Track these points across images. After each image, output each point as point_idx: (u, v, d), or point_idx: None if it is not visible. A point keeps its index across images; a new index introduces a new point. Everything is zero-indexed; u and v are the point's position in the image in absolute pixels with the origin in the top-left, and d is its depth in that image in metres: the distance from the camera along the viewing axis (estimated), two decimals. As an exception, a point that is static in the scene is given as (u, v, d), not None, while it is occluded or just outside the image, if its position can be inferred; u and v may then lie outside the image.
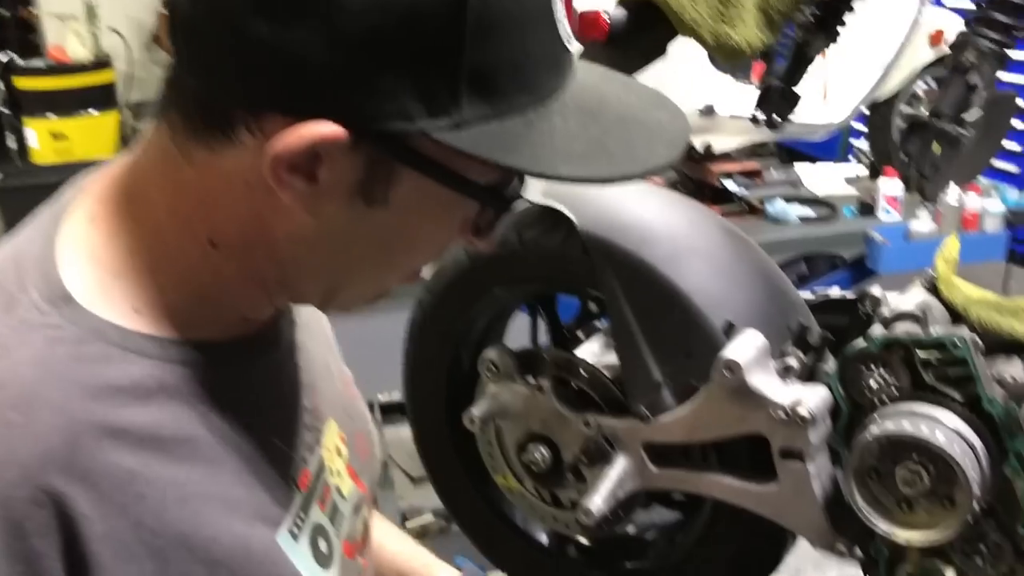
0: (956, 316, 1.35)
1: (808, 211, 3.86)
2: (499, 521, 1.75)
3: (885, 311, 1.35)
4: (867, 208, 3.88)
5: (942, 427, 1.22)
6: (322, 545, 0.90)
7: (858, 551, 1.36)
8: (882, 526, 1.27)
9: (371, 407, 1.44)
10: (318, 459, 0.94)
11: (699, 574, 1.59)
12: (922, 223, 3.78)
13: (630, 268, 1.42)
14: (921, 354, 1.25)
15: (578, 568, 1.73)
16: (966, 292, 1.35)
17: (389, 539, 1.28)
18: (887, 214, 3.81)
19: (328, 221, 0.72)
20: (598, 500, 1.47)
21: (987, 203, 3.93)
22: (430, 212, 0.75)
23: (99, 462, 0.67)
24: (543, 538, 1.76)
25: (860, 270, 3.82)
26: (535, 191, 1.17)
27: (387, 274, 0.83)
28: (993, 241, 3.89)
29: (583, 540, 1.76)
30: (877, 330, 1.32)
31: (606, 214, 1.42)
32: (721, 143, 3.92)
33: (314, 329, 1.03)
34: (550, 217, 1.41)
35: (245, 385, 0.83)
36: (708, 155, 3.87)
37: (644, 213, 1.43)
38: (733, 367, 1.31)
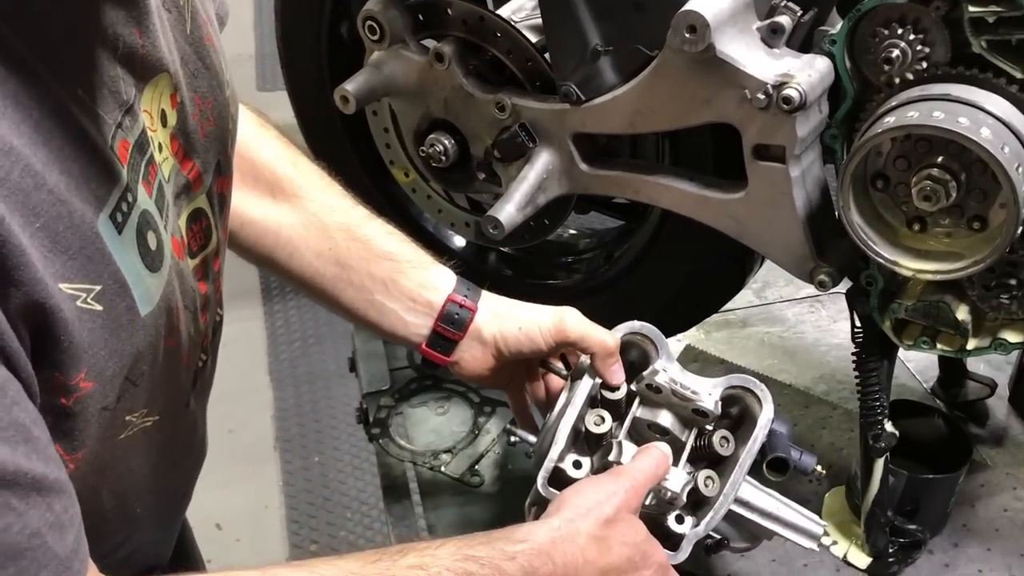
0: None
1: None
2: (404, 225, 1.41)
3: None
4: None
5: (988, 119, 0.85)
6: (151, 239, 0.69)
7: (844, 281, 1.03)
8: (884, 252, 0.93)
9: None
10: (140, 125, 0.69)
11: (640, 294, 1.28)
12: None
13: None
14: (973, 8, 0.85)
15: (500, 281, 1.42)
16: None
17: (376, 236, 1.07)
18: None
19: None
20: (511, 209, 1.11)
21: None
22: None
23: None
24: (458, 243, 1.44)
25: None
26: None
27: None
28: None
29: (505, 249, 1.44)
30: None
31: None
32: None
33: None
34: None
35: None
36: None
37: None
38: (698, 26, 0.91)
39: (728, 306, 1.36)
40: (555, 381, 1.07)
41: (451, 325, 1.01)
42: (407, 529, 1.25)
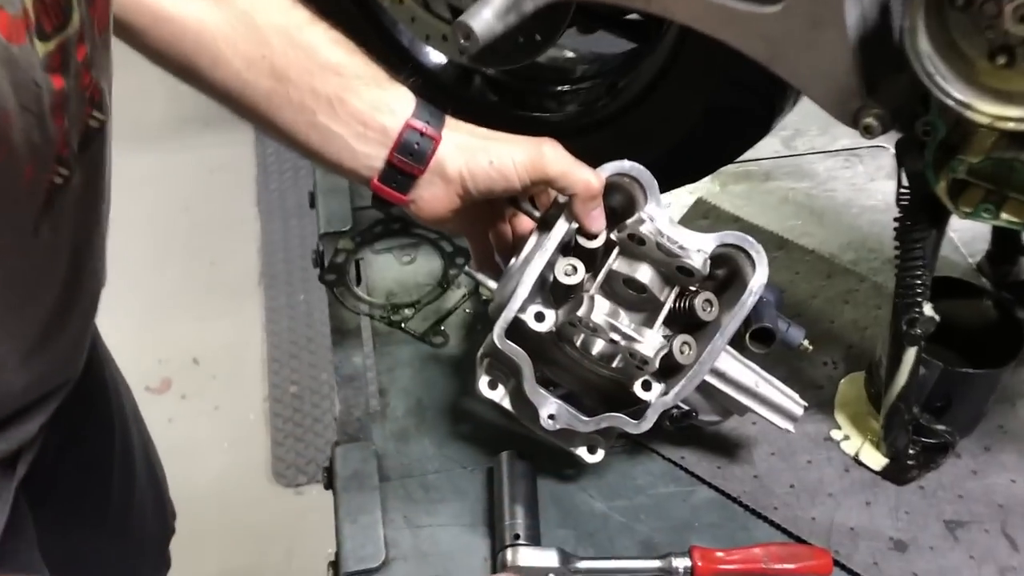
0: None
1: None
2: (381, 44, 1.19)
3: None
4: None
5: None
6: None
7: (895, 128, 0.82)
8: (955, 91, 0.71)
9: None
10: None
11: (646, 134, 1.07)
12: None
13: None
14: None
15: (483, 109, 1.21)
16: None
17: (320, 44, 0.86)
18: None
19: None
20: (487, 15, 0.90)
21: None
22: None
23: None
24: (436, 61, 1.22)
25: None
26: None
27: None
28: None
29: (490, 72, 1.22)
30: None
31: None
32: None
33: None
34: None
35: None
36: None
37: None
38: None
39: (749, 155, 1.16)
40: (524, 224, 0.89)
41: (409, 157, 0.82)
42: (355, 392, 1.09)
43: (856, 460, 1.02)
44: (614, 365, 0.86)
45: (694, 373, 0.84)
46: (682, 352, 0.84)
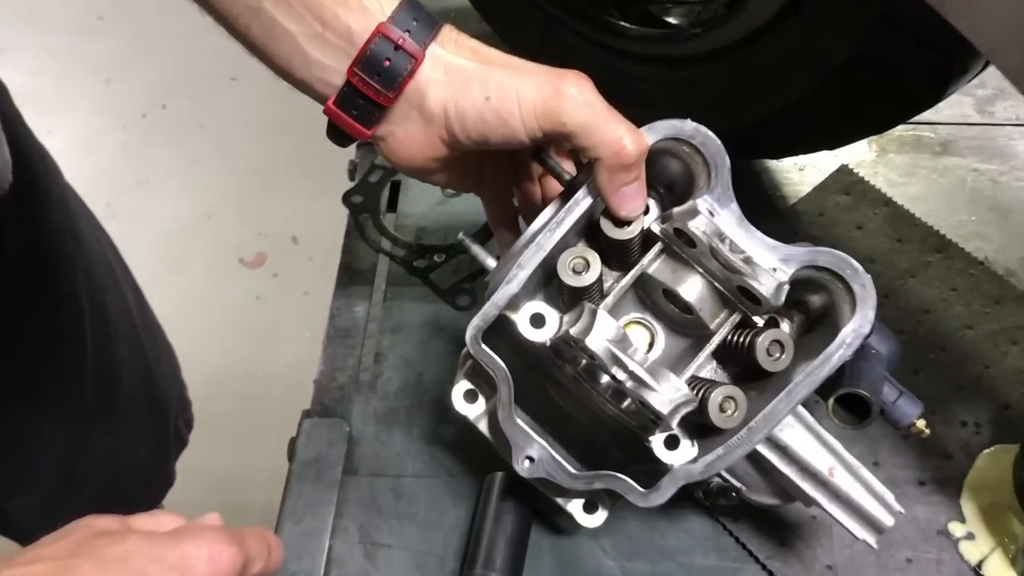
0: None
1: None
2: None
3: None
4: None
5: None
6: None
7: None
8: None
9: None
10: None
11: (773, 73, 0.78)
12: None
13: None
14: None
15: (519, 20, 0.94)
16: None
17: None
18: None
19: None
20: None
21: None
22: None
23: None
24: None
25: None
26: None
27: None
28: None
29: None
30: None
31: None
32: None
33: None
34: None
35: None
36: None
37: None
38: None
39: (924, 117, 0.85)
40: (556, 185, 0.64)
41: (376, 77, 0.58)
42: (346, 351, 0.88)
43: (976, 573, 0.74)
44: (624, 406, 0.61)
45: (738, 442, 0.59)
46: (723, 410, 0.58)
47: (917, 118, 0.91)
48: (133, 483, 1.16)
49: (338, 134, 0.61)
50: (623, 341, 0.56)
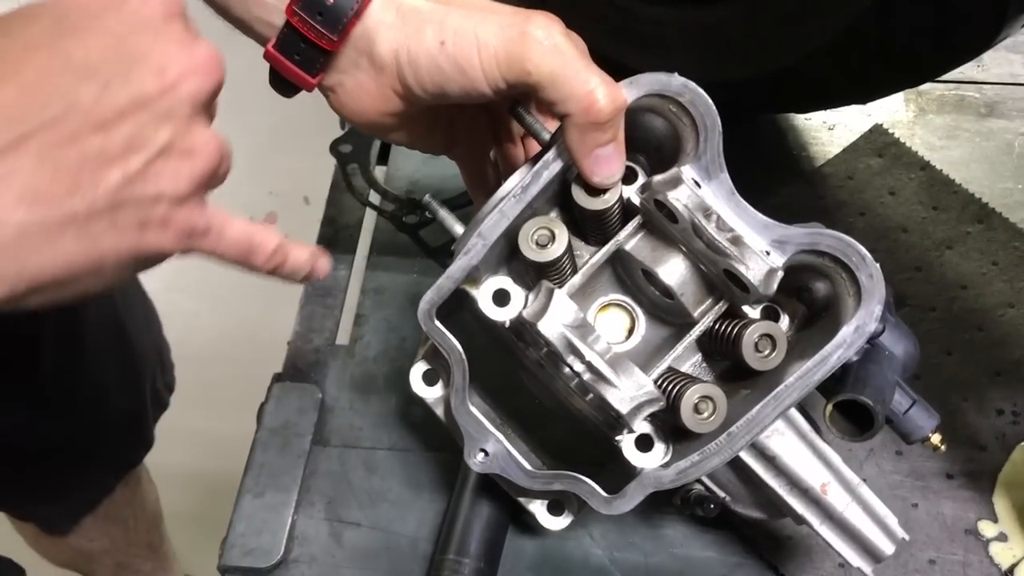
0: None
1: None
2: None
3: None
4: None
5: None
6: None
7: None
8: None
9: None
10: None
11: (786, 13, 0.70)
12: None
13: None
14: None
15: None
16: None
17: None
18: None
19: None
20: None
21: None
22: None
23: None
24: None
25: None
26: None
27: None
28: None
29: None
30: None
31: None
32: None
33: None
34: None
35: None
36: None
37: None
38: None
39: (970, 75, 0.76)
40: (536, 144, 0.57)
41: (319, 17, 0.51)
42: (324, 312, 0.81)
43: (1007, 578, 0.66)
44: (589, 399, 0.53)
45: (716, 449, 0.51)
46: (698, 411, 0.51)
47: (961, 76, 0.82)
48: (104, 444, 1.10)
49: (281, 83, 0.54)
50: (582, 327, 0.49)
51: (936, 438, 0.58)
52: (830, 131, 0.91)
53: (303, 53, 0.52)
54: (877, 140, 0.90)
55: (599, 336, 0.49)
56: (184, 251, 0.42)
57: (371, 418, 0.75)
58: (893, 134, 0.90)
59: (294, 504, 0.70)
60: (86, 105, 0.37)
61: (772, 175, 0.87)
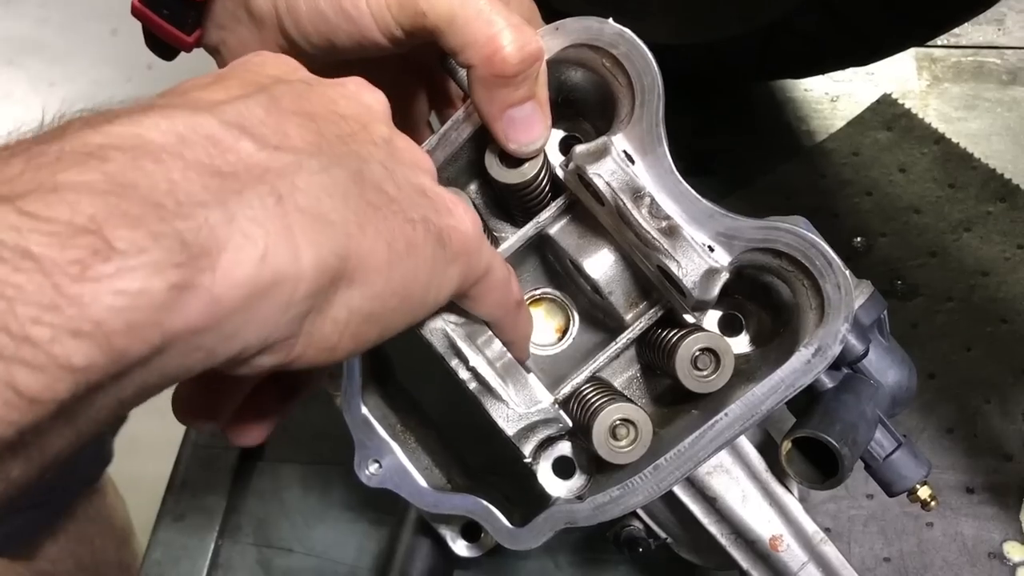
0: None
1: None
2: None
3: None
4: None
5: None
6: None
7: None
8: None
9: None
10: None
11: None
12: None
13: None
14: None
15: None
16: None
17: None
18: None
19: None
20: None
21: None
22: None
23: None
24: None
25: None
26: None
27: None
28: None
29: None
30: None
31: None
32: None
33: None
34: None
35: None
36: None
37: None
38: None
39: (990, 39, 0.67)
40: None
41: None
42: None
43: None
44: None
45: (640, 484, 0.42)
46: (616, 437, 0.42)
47: (981, 41, 0.73)
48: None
49: (156, 43, 0.46)
50: (471, 325, 0.40)
51: (925, 492, 0.47)
52: (833, 102, 0.82)
53: (172, 7, 0.44)
54: (886, 112, 0.80)
55: (490, 338, 0.40)
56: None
57: (311, 426, 0.66)
58: (904, 105, 0.80)
59: (218, 527, 0.62)
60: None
61: (765, 150, 0.78)
